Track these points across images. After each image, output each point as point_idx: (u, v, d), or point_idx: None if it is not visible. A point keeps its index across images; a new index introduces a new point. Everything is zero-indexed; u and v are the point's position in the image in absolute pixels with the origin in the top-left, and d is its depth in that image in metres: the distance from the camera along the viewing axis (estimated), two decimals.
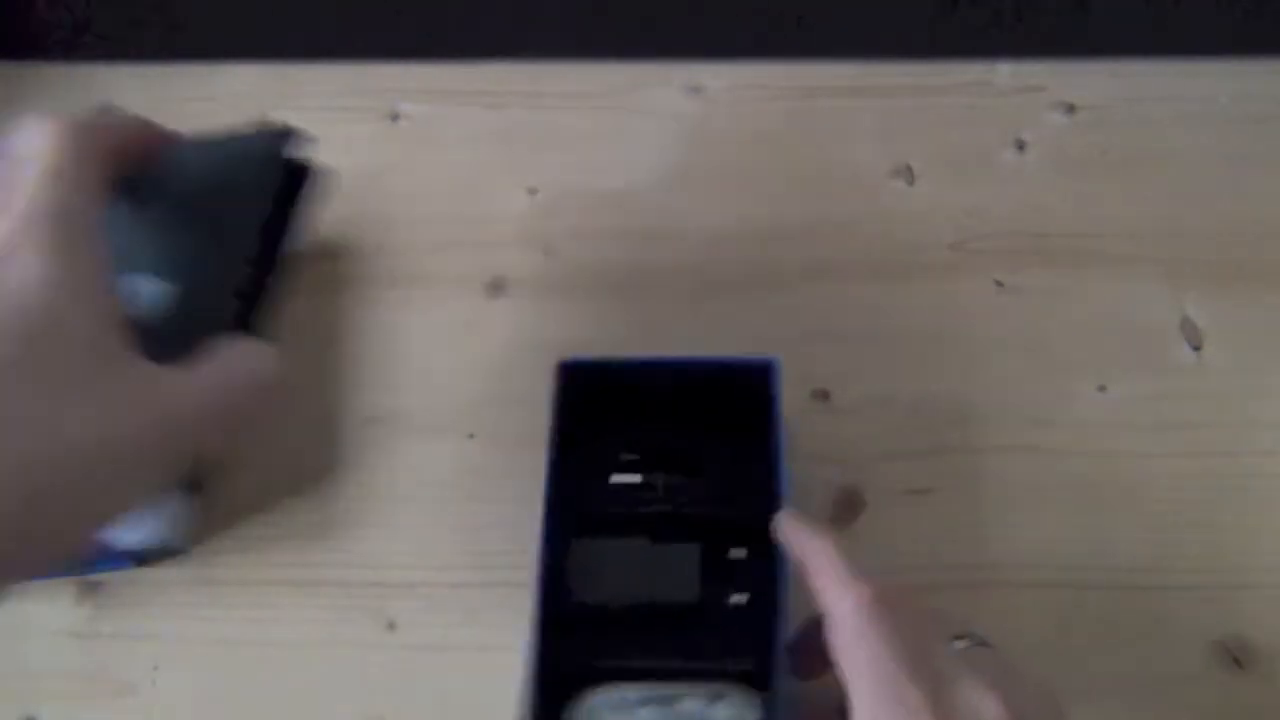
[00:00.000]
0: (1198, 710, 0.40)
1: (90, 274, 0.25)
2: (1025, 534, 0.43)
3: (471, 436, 0.47)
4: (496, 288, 0.51)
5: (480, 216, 0.53)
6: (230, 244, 0.33)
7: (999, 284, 0.50)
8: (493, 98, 0.57)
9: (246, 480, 0.45)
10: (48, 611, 0.43)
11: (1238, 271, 0.50)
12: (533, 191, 0.54)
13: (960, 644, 0.32)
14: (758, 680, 0.36)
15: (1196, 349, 0.48)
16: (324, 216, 0.53)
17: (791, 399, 0.45)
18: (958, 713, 0.27)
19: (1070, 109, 0.56)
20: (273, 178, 0.36)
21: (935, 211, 0.52)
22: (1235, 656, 0.40)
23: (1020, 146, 0.55)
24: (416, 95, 0.57)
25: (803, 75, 0.57)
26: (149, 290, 0.30)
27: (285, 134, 0.36)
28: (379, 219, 0.53)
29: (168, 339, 0.27)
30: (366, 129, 0.56)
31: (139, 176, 0.30)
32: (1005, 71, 0.57)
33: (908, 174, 0.54)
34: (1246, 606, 0.42)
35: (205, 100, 0.57)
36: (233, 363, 0.27)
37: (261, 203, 0.35)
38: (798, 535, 0.34)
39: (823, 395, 0.47)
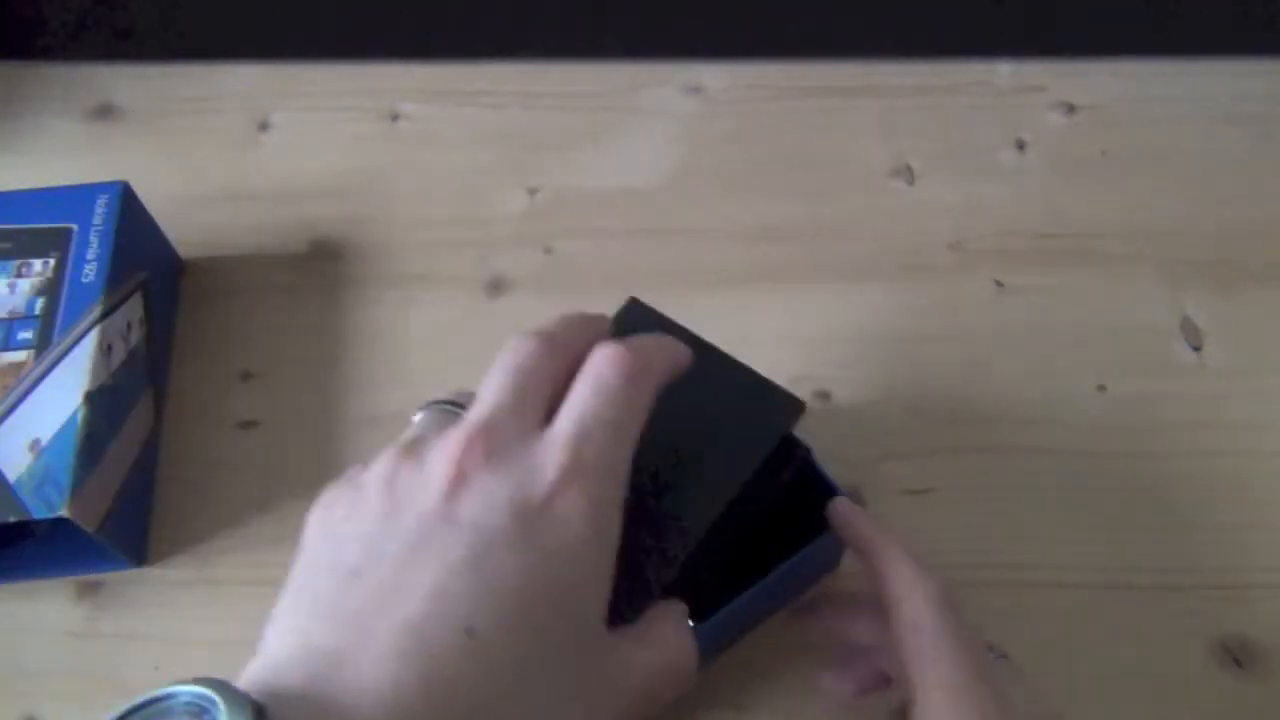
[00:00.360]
0: (1198, 710, 0.40)
1: (613, 539, 0.24)
2: (1025, 534, 0.43)
3: None
4: (496, 288, 0.51)
5: (480, 216, 0.53)
6: (709, 487, 0.31)
7: (999, 284, 0.50)
8: (492, 98, 0.57)
9: (246, 480, 0.45)
10: (48, 611, 0.43)
11: (1238, 271, 0.50)
12: (533, 191, 0.54)
13: (991, 654, 0.32)
14: None
15: (1196, 349, 0.48)
16: (324, 216, 0.53)
17: None
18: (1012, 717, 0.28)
19: (1070, 109, 0.56)
20: (766, 445, 0.32)
21: (935, 211, 0.52)
22: (1235, 656, 0.40)
23: (1020, 146, 0.55)
24: (416, 95, 0.57)
25: (803, 75, 0.57)
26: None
27: (796, 405, 0.33)
28: (379, 219, 0.53)
29: (624, 563, 0.26)
30: (366, 129, 0.56)
31: None
32: (1005, 71, 0.57)
33: (908, 174, 0.54)
34: (1246, 606, 0.42)
35: (205, 100, 0.58)
36: (669, 651, 0.27)
37: (746, 464, 0.31)
38: (860, 522, 0.34)
39: (823, 395, 0.47)
